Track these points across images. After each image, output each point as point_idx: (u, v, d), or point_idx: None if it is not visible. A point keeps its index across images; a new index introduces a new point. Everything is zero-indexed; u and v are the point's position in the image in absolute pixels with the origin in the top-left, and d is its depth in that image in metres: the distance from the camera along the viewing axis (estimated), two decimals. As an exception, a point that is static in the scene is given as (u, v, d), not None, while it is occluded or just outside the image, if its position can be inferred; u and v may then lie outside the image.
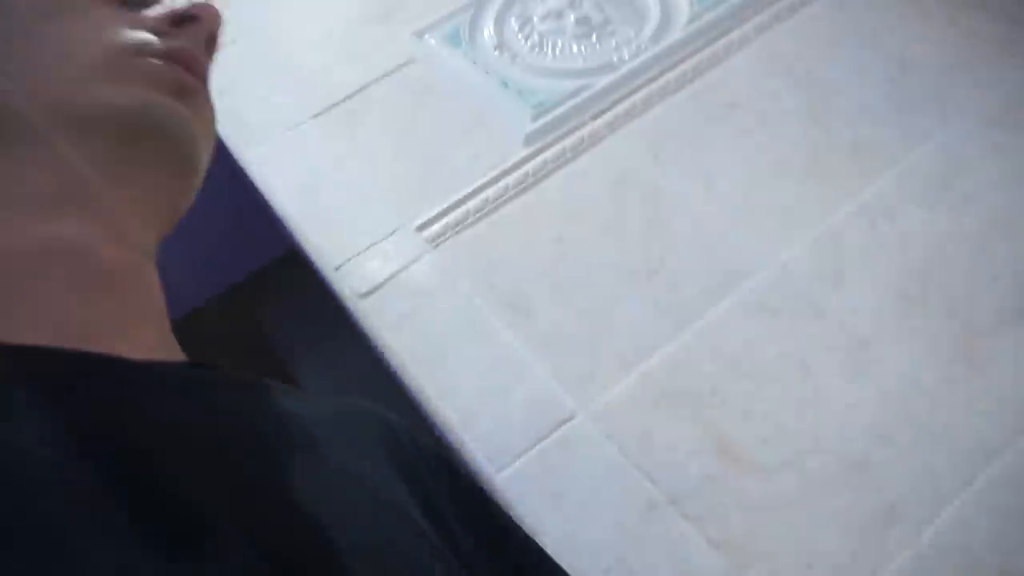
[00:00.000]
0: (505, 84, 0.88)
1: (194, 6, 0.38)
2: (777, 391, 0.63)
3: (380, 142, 0.88)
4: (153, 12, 0.37)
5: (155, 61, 0.34)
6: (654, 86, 0.86)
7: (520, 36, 0.94)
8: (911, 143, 0.77)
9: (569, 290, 0.72)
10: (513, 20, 0.96)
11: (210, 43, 0.38)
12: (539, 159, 0.81)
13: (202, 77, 0.36)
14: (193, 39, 0.37)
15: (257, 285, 0.99)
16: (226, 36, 1.20)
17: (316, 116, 0.91)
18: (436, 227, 0.78)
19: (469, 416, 0.64)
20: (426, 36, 0.95)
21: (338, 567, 0.25)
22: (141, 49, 0.34)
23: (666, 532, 0.57)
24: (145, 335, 0.30)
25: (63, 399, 0.23)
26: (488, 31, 0.94)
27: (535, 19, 0.95)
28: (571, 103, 0.85)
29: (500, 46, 0.93)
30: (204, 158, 0.36)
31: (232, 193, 0.96)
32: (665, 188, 0.78)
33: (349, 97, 0.92)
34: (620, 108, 0.84)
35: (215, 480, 0.24)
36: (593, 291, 0.72)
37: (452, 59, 0.92)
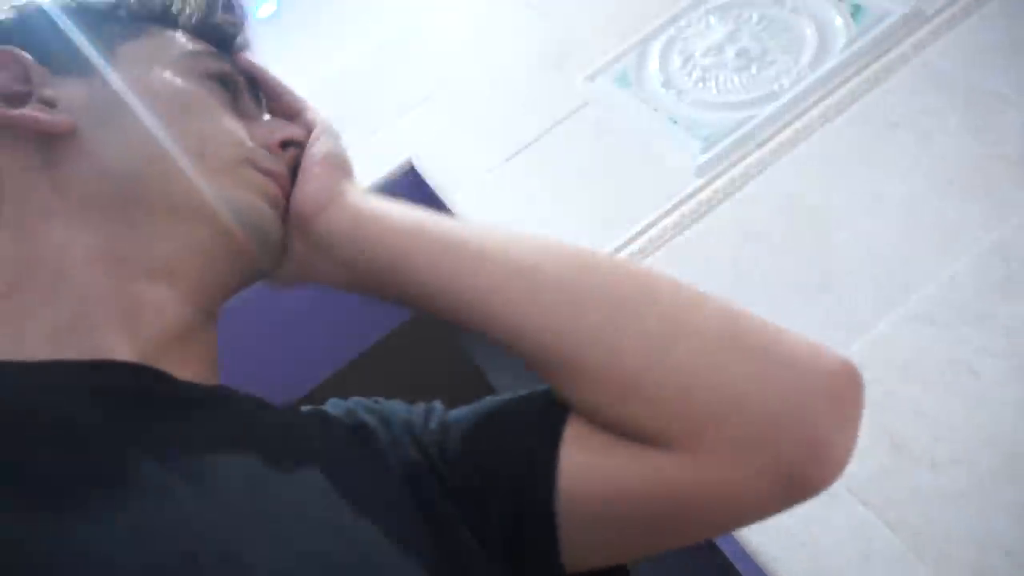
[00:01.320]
0: (674, 120, 0.99)
1: (297, 134, 0.47)
2: (946, 394, 0.70)
3: (565, 180, 1.02)
4: (269, 126, 0.47)
5: (261, 176, 0.44)
6: (815, 111, 0.93)
7: (684, 72, 1.04)
8: (1079, 151, 0.80)
9: (747, 308, 0.82)
10: (676, 57, 1.06)
11: (296, 168, 0.47)
12: (710, 189, 0.92)
13: (287, 195, 0.46)
14: (289, 163, 0.46)
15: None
16: (420, 94, 1.37)
17: (508, 160, 1.06)
18: (622, 257, 0.90)
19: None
20: (597, 79, 1.08)
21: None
22: (255, 161, 0.44)
23: (847, 517, 0.67)
24: (195, 370, 0.40)
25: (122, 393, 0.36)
26: (654, 70, 1.05)
27: (697, 55, 1.05)
28: (737, 134, 0.94)
29: (666, 83, 1.03)
30: (277, 251, 0.45)
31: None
32: (831, 209, 0.86)
33: (534, 141, 1.06)
34: (784, 135, 0.93)
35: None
36: (769, 308, 0.81)
37: (623, 100, 1.04)
